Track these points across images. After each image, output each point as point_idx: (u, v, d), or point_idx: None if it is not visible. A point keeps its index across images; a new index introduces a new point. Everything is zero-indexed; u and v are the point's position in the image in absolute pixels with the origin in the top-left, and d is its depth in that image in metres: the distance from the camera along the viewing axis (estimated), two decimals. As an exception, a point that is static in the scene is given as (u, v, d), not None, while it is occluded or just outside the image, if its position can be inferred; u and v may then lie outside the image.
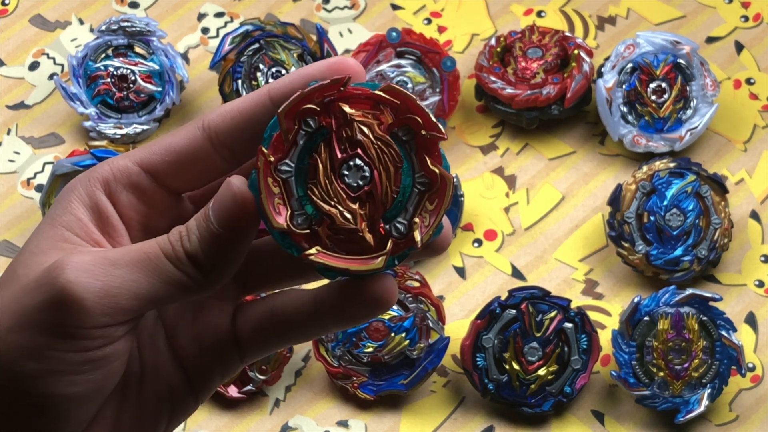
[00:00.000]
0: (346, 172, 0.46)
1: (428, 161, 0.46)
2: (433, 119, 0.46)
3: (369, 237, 0.45)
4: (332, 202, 0.45)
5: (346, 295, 0.47)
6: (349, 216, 0.45)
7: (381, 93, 0.45)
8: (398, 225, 0.46)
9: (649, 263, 0.91)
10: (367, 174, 0.46)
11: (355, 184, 0.46)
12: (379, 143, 0.45)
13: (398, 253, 0.46)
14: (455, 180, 0.42)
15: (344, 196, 0.45)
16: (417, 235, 0.45)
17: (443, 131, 0.46)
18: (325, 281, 0.47)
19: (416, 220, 0.46)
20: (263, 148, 0.45)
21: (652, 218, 0.91)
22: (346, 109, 0.45)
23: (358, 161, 0.45)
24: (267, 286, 0.51)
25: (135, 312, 0.46)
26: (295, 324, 0.48)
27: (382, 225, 0.46)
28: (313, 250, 0.45)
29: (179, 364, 0.49)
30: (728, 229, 0.92)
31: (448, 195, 0.46)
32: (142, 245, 0.46)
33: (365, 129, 0.45)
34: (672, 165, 0.93)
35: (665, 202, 0.91)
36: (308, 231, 0.46)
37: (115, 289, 0.45)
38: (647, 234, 0.92)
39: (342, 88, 0.46)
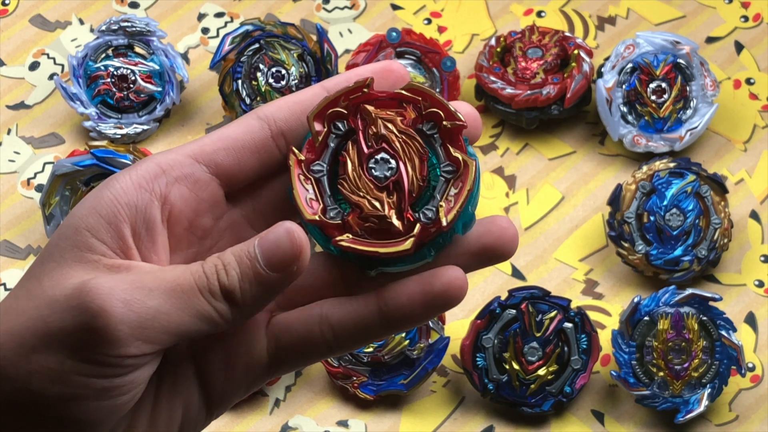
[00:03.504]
0: (373, 166, 0.48)
1: (450, 149, 0.48)
2: (452, 109, 0.48)
3: (397, 222, 0.47)
4: (360, 194, 0.48)
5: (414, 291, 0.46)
6: (377, 204, 0.47)
7: (402, 91, 0.48)
8: (426, 212, 0.48)
9: (649, 263, 0.91)
10: (393, 166, 0.48)
11: (382, 176, 0.48)
12: (403, 137, 0.48)
13: (430, 239, 0.48)
14: (477, 164, 0.46)
15: (372, 186, 0.48)
16: (442, 217, 0.47)
17: (463, 120, 0.48)
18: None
19: (441, 203, 0.48)
20: (293, 148, 0.48)
21: (651, 218, 0.91)
22: (369, 108, 0.48)
23: (383, 155, 0.48)
24: (301, 302, 0.49)
25: (164, 345, 0.45)
26: (346, 333, 0.47)
27: (410, 213, 0.48)
28: (343, 237, 0.47)
29: (200, 383, 0.48)
30: (728, 229, 0.93)
31: (471, 177, 0.48)
32: (177, 275, 0.45)
33: (389, 125, 0.48)
34: (672, 165, 0.93)
35: (665, 202, 0.91)
36: (339, 222, 0.48)
37: (148, 321, 0.44)
38: (647, 234, 0.92)
39: (365, 90, 0.48)
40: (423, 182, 0.48)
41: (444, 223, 0.47)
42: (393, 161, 0.48)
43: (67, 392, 0.44)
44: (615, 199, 0.93)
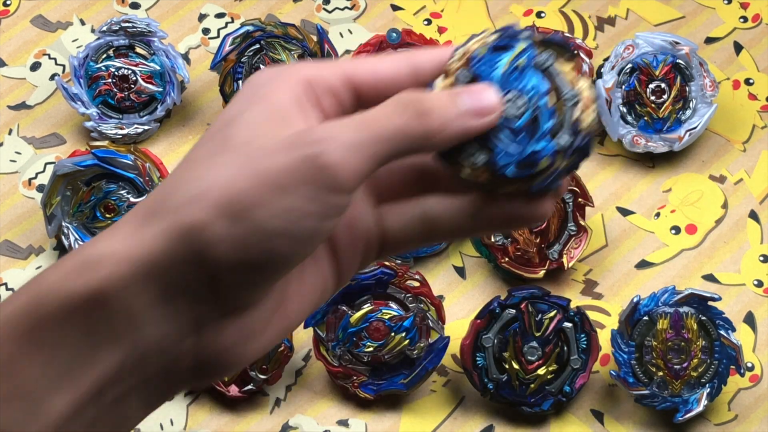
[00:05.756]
0: None
1: (579, 217, 0.82)
2: (587, 193, 0.84)
3: (535, 257, 0.87)
4: (520, 233, 0.86)
5: (508, 214, 0.52)
6: (527, 240, 0.86)
7: None
8: (554, 252, 0.90)
9: (497, 176, 0.59)
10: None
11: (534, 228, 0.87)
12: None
13: (551, 269, 0.85)
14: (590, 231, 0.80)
15: (528, 231, 0.87)
16: (565, 262, 0.89)
17: (592, 202, 0.90)
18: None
19: (565, 253, 0.87)
20: None
21: None
22: None
23: None
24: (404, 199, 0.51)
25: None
26: (446, 229, 0.50)
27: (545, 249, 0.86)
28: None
29: (331, 256, 0.49)
30: (593, 101, 0.59)
31: (587, 241, 0.89)
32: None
33: None
34: (491, 39, 0.59)
35: None
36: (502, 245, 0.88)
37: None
38: (482, 139, 0.59)
39: None
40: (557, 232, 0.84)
41: (565, 267, 0.90)
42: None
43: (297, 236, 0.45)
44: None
